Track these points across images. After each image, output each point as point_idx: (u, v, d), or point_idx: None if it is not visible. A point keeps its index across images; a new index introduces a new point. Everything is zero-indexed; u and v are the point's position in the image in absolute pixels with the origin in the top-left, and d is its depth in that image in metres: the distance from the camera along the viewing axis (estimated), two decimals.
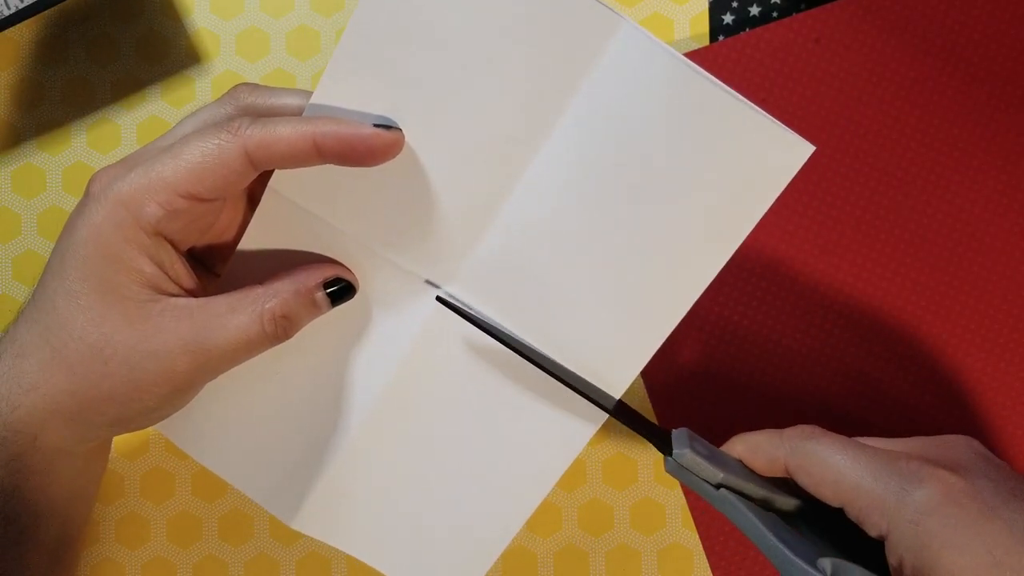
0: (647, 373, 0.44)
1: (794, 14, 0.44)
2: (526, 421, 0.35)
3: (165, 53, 0.44)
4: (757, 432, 0.34)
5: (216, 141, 0.29)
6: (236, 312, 0.31)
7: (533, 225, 0.32)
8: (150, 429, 0.43)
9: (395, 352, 0.34)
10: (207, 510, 0.43)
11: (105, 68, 0.44)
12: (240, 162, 0.29)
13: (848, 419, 0.43)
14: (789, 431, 0.33)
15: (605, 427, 0.44)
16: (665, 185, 0.31)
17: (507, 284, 0.33)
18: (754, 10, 0.44)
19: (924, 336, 0.43)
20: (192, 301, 0.31)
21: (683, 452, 0.32)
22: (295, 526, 0.36)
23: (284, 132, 0.29)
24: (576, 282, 0.33)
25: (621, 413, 0.33)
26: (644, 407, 0.44)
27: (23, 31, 0.44)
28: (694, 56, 0.44)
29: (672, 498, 0.44)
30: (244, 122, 0.30)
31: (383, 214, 0.32)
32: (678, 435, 0.33)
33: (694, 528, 0.43)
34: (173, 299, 0.31)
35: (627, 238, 0.32)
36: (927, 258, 0.43)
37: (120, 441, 0.43)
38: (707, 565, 0.43)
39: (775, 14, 0.44)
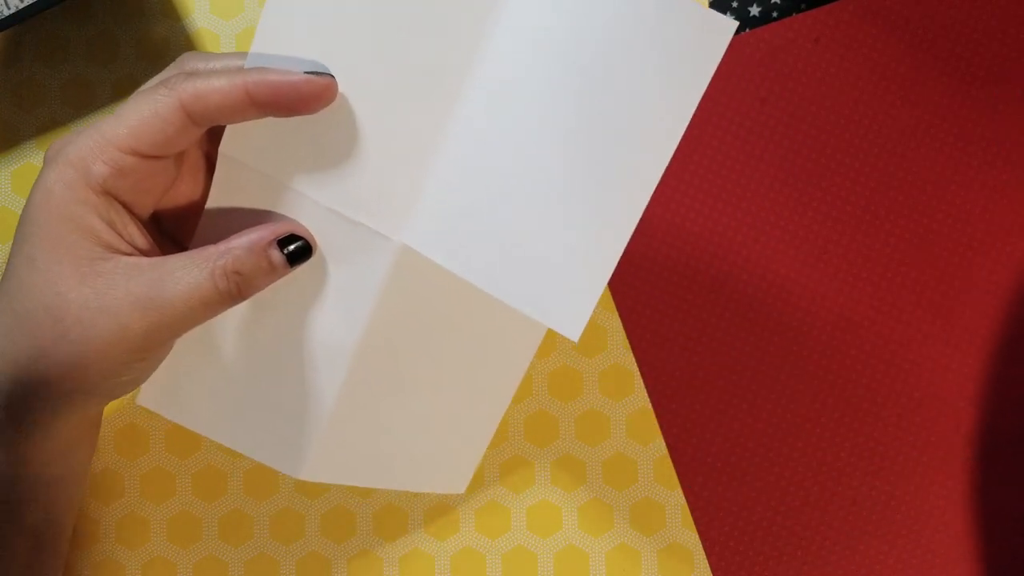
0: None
1: (794, 14, 0.44)
2: (494, 323, 0.37)
3: (165, 53, 0.44)
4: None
5: (153, 97, 0.31)
6: (188, 269, 0.31)
7: (475, 152, 0.33)
8: (150, 429, 0.44)
9: (367, 295, 0.34)
10: (207, 510, 0.44)
11: (105, 68, 0.44)
12: (176, 115, 0.30)
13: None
14: None
15: (605, 426, 0.44)
16: (596, 85, 0.32)
17: (461, 220, 0.33)
18: (754, 10, 0.44)
19: (924, 334, 0.43)
20: (144, 260, 0.31)
21: None
22: (304, 477, 0.36)
23: (217, 84, 0.30)
24: (527, 202, 0.33)
25: None
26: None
27: (23, 31, 0.44)
28: None
29: (672, 498, 0.44)
30: (180, 78, 0.31)
31: (330, 168, 0.33)
32: None
33: (694, 528, 0.43)
34: (125, 257, 0.31)
35: (570, 146, 0.32)
36: (926, 256, 0.43)
37: (120, 441, 0.43)
38: (707, 565, 0.43)
39: (775, 14, 0.44)
